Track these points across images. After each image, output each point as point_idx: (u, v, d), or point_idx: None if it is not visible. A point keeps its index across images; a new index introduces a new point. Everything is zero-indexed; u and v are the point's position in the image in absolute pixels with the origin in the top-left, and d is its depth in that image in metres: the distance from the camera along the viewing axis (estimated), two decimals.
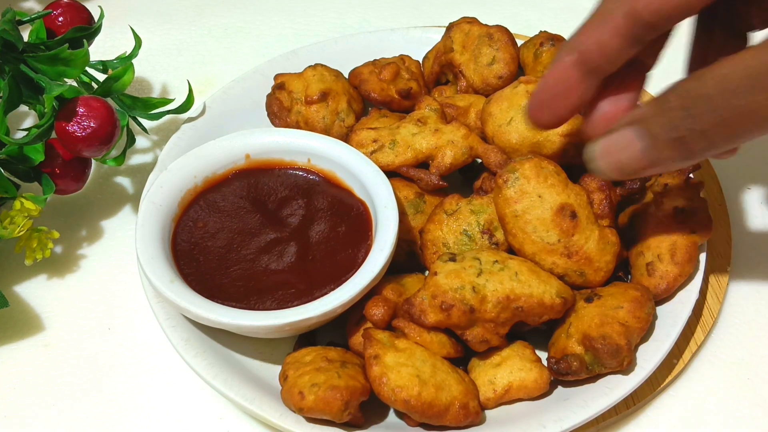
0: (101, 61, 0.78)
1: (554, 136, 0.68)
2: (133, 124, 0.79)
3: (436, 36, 0.82)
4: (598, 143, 0.55)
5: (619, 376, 0.60)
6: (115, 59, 0.78)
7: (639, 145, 0.52)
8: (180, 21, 0.98)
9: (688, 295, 0.65)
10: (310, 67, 0.78)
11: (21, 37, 0.71)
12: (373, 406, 0.60)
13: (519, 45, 0.78)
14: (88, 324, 0.71)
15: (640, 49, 0.54)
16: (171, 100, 0.77)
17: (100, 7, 0.77)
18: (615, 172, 0.55)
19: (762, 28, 0.58)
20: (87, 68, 0.74)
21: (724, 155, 0.55)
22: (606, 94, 0.58)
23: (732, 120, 0.48)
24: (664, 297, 0.65)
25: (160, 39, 0.95)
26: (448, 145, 0.70)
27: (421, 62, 0.82)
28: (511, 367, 0.61)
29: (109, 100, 0.73)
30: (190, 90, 0.77)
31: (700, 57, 0.60)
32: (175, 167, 0.69)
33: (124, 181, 0.81)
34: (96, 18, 0.77)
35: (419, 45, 0.83)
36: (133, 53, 0.77)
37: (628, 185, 0.67)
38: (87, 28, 0.75)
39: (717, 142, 0.50)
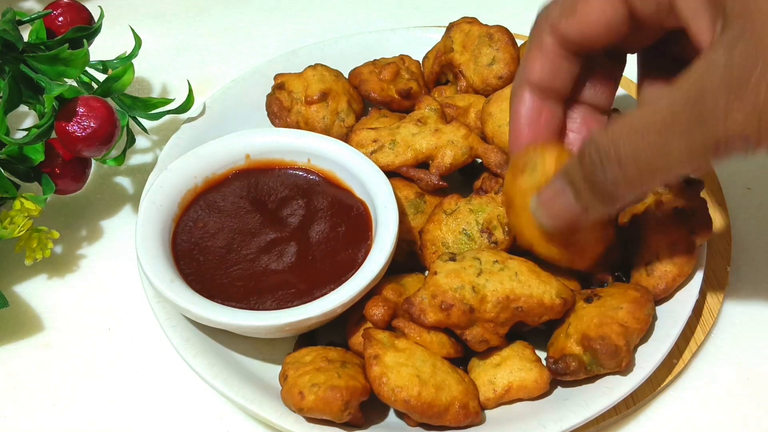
0: (101, 61, 0.78)
1: None
2: (133, 124, 0.79)
3: (436, 36, 0.82)
4: (538, 195, 0.59)
5: (619, 377, 0.60)
6: (115, 59, 0.78)
7: (569, 195, 0.56)
8: (180, 21, 0.98)
9: (688, 295, 0.65)
10: (310, 67, 0.78)
11: (21, 37, 0.71)
12: (373, 406, 0.60)
13: (519, 45, 0.78)
14: (88, 324, 0.71)
15: (582, 62, 0.60)
16: (171, 100, 0.77)
17: (100, 7, 0.77)
18: (555, 220, 0.58)
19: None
20: (87, 68, 0.74)
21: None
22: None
23: (643, 167, 0.51)
24: (663, 297, 0.65)
25: (160, 39, 0.95)
26: (448, 145, 0.70)
27: (421, 62, 0.82)
28: (511, 367, 0.61)
29: (109, 100, 0.73)
30: (190, 90, 0.77)
31: (647, 82, 0.61)
32: (175, 167, 0.69)
33: (124, 181, 0.81)
34: (96, 18, 0.77)
35: (419, 45, 0.83)
36: (133, 53, 0.77)
37: None
38: (87, 28, 0.75)
39: (633, 187, 0.52)
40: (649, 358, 0.61)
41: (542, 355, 0.63)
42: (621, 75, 0.63)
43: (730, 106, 0.46)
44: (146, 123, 0.80)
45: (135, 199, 0.79)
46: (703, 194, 0.67)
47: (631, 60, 0.62)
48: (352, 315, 0.64)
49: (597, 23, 0.56)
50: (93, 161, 0.76)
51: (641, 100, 0.62)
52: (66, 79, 0.72)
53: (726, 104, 0.46)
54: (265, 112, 0.78)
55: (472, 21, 0.79)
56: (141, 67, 0.87)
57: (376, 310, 0.62)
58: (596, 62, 0.61)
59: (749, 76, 0.45)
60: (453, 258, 0.62)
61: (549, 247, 0.62)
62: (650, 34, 0.58)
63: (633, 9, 0.55)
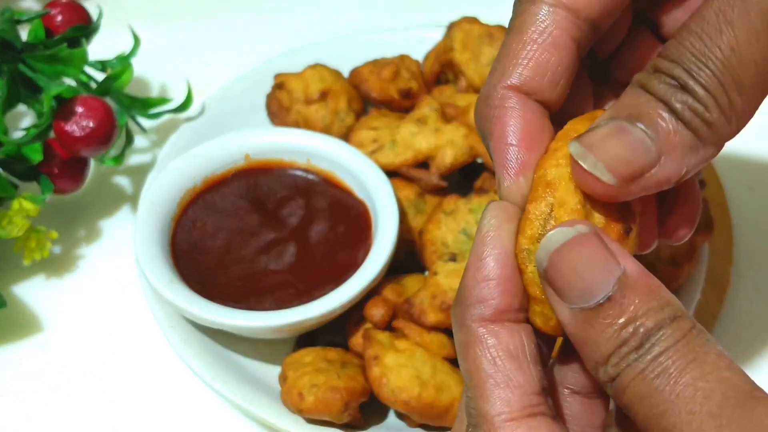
0: (100, 60, 0.77)
1: None
2: (132, 124, 0.79)
3: (436, 36, 0.81)
4: (582, 137, 0.37)
5: None
6: (114, 58, 0.78)
7: (638, 132, 0.36)
8: (180, 21, 0.98)
9: (688, 296, 0.64)
10: (310, 66, 0.77)
11: (19, 37, 0.70)
12: (373, 407, 0.60)
13: None
14: (87, 324, 0.71)
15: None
16: (170, 100, 0.77)
17: (98, 6, 0.77)
18: (620, 166, 0.36)
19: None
20: (85, 67, 0.73)
21: None
22: None
23: None
24: None
25: (160, 38, 0.94)
26: (448, 145, 0.70)
27: (421, 62, 0.82)
28: None
29: (108, 100, 0.73)
30: (190, 90, 0.77)
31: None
32: (174, 167, 0.69)
33: (122, 181, 0.81)
34: (95, 17, 0.77)
35: (419, 45, 0.82)
36: (132, 52, 0.77)
37: None
38: (86, 27, 0.75)
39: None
40: None
41: None
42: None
43: None
44: (145, 123, 0.80)
45: (134, 199, 0.79)
46: (705, 194, 0.67)
47: None
48: (352, 315, 0.64)
49: None
50: (92, 161, 0.75)
51: None
52: (64, 79, 0.71)
53: None
54: (265, 112, 0.78)
55: (473, 20, 0.79)
56: (140, 66, 0.87)
57: (376, 311, 0.61)
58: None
59: None
60: (453, 258, 0.62)
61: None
62: None
63: None
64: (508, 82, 0.39)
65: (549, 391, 0.37)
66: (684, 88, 0.36)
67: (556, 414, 0.36)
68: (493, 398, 0.35)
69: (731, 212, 0.76)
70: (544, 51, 0.38)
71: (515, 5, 0.40)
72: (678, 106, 0.36)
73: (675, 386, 0.33)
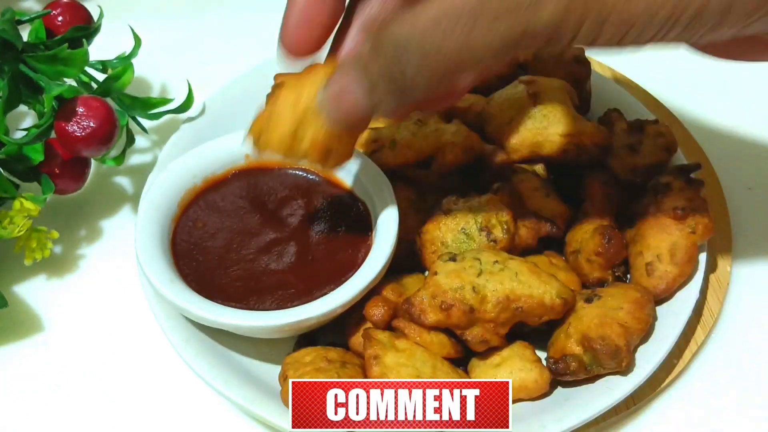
0: (100, 60, 0.77)
1: (554, 136, 0.68)
2: (132, 124, 0.79)
3: None
4: (328, 87, 0.53)
5: (619, 377, 0.60)
6: (115, 59, 0.78)
7: (363, 88, 0.51)
8: (180, 20, 0.98)
9: (688, 295, 0.64)
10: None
11: (20, 37, 0.71)
12: None
13: None
14: (88, 324, 0.71)
15: None
16: (170, 100, 0.77)
17: (99, 6, 0.77)
18: (345, 115, 0.53)
19: None
20: (86, 68, 0.74)
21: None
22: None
23: (447, 62, 0.47)
24: (664, 297, 0.64)
25: (160, 38, 0.94)
26: (448, 144, 0.70)
27: None
28: (511, 368, 0.61)
29: (109, 100, 0.73)
30: (190, 90, 0.77)
31: None
32: (174, 167, 0.69)
33: (123, 181, 0.81)
34: (95, 17, 0.77)
35: None
36: (133, 53, 0.77)
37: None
38: (86, 27, 0.75)
39: (435, 83, 0.48)
40: (649, 358, 0.61)
41: (542, 355, 0.63)
42: None
43: None
44: (146, 123, 0.80)
45: (134, 199, 0.79)
46: (704, 194, 0.67)
47: None
48: (352, 315, 0.64)
49: None
50: (92, 161, 0.76)
51: None
52: (65, 79, 0.72)
53: None
54: None
55: None
56: (140, 66, 0.87)
57: (376, 311, 0.62)
58: None
59: None
60: (453, 258, 0.62)
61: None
62: None
63: None
64: None
65: None
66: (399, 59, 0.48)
67: None
68: None
69: (730, 212, 0.76)
70: None
71: None
72: (390, 78, 0.49)
73: None
